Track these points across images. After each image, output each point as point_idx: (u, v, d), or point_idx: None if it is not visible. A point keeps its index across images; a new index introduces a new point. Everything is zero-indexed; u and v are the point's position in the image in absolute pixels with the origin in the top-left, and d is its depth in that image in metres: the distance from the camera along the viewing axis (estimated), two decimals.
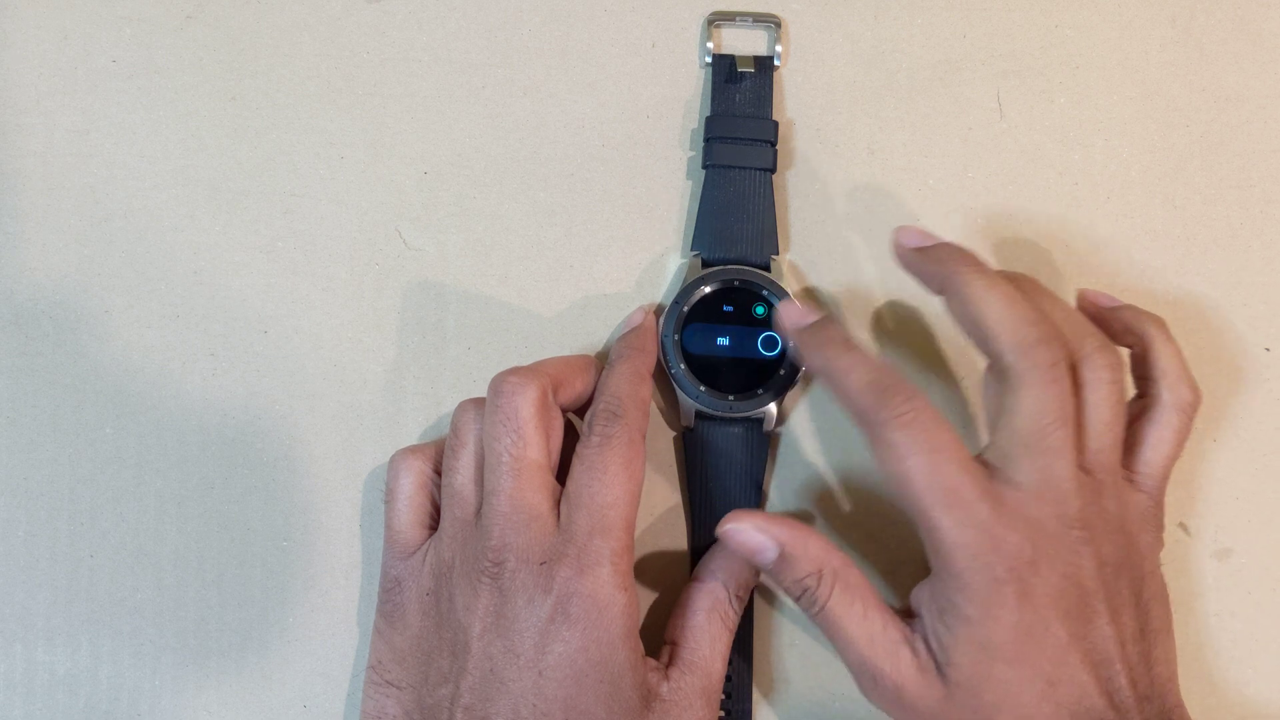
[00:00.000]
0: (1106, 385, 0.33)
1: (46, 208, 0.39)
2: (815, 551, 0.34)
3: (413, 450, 0.37)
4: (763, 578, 0.39)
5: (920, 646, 0.33)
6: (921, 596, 0.34)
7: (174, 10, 0.40)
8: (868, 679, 0.34)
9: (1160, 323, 0.36)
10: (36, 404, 0.39)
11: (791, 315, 0.36)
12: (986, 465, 0.33)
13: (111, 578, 0.39)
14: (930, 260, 0.35)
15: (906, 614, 0.34)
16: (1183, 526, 0.40)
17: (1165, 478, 0.35)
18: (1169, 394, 0.35)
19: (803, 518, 0.39)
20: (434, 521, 0.37)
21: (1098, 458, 0.33)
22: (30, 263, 0.39)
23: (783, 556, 0.34)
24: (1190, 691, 0.39)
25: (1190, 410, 0.35)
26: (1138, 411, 0.36)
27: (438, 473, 0.37)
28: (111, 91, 0.40)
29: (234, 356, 0.39)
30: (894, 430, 0.32)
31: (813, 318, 0.36)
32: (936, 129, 0.40)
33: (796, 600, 0.34)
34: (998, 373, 0.34)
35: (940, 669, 0.32)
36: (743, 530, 0.34)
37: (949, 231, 0.40)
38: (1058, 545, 0.32)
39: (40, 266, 0.39)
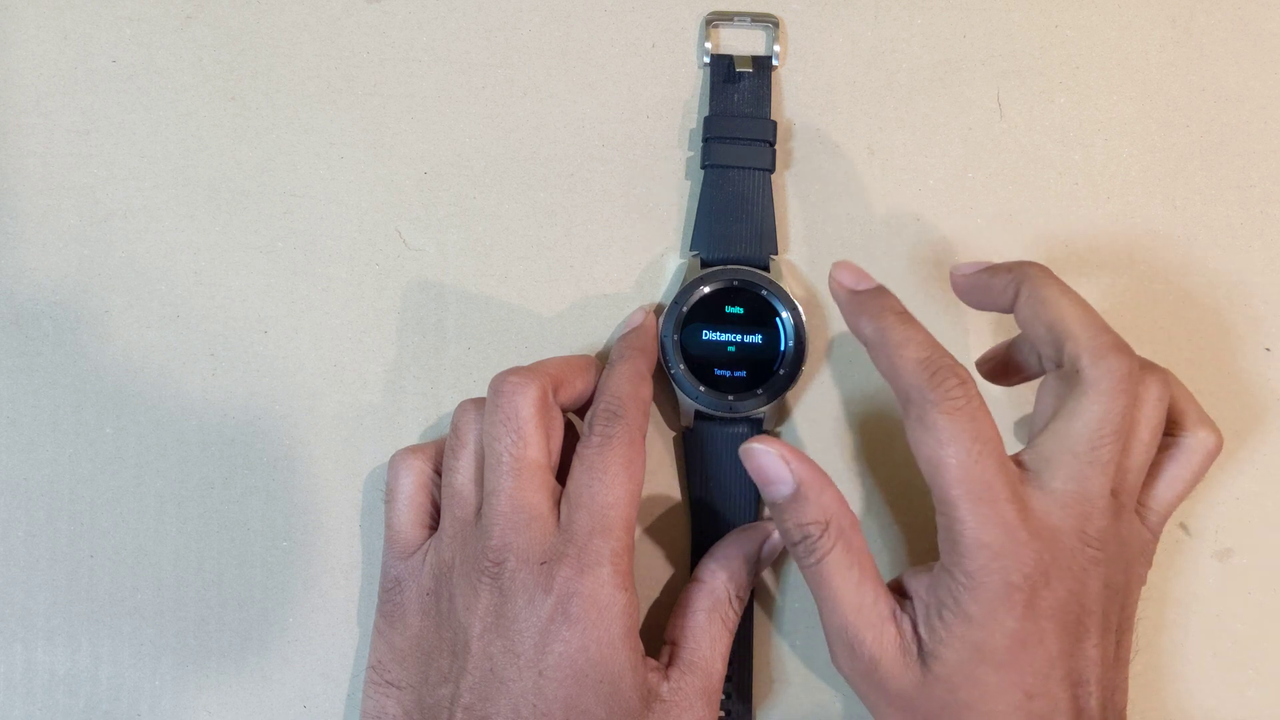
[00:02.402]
0: (1154, 404, 0.33)
1: (46, 208, 0.39)
2: (829, 501, 0.33)
3: (413, 450, 0.37)
4: (763, 576, 0.40)
5: (907, 628, 0.33)
6: (919, 584, 0.33)
7: (174, 10, 0.40)
8: (845, 646, 0.33)
9: (1167, 371, 0.35)
10: (36, 404, 0.39)
11: (847, 277, 0.35)
12: (1020, 465, 0.33)
13: (111, 578, 0.39)
14: (1000, 271, 0.35)
15: (898, 591, 0.34)
16: (1183, 527, 0.40)
17: (1168, 516, 0.35)
18: (1193, 436, 0.35)
19: None
20: (434, 521, 0.37)
21: (1126, 478, 0.33)
22: (30, 263, 0.39)
23: (797, 495, 0.33)
24: (1190, 692, 0.39)
25: (1213, 453, 0.35)
26: (1159, 447, 0.35)
27: (438, 473, 0.37)
28: (111, 91, 0.40)
29: (234, 356, 0.39)
30: (941, 414, 0.31)
31: (869, 284, 0.35)
32: (936, 129, 0.40)
33: (793, 546, 0.33)
34: (1065, 375, 0.33)
35: (923, 657, 0.32)
36: (766, 454, 0.33)
37: (949, 234, 0.40)
38: (1071, 560, 0.31)
39: (40, 266, 0.39)
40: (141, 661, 0.39)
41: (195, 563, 0.39)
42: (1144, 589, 0.39)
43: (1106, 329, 0.33)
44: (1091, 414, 0.32)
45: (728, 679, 0.37)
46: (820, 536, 0.33)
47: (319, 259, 0.40)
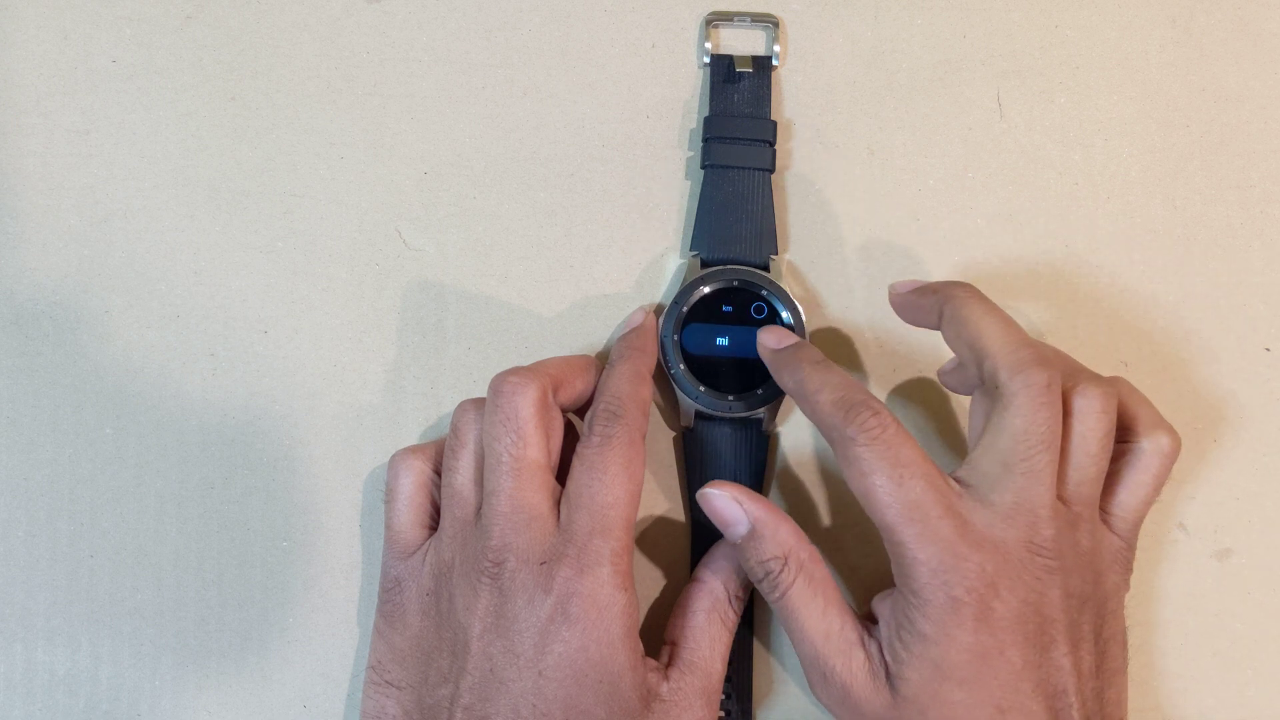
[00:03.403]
0: (1096, 415, 0.33)
1: (46, 208, 0.40)
2: (785, 536, 0.34)
3: (413, 450, 0.37)
4: None
5: (875, 652, 0.33)
6: (883, 607, 0.34)
7: (174, 10, 0.40)
8: (818, 675, 0.34)
9: (1121, 379, 0.36)
10: (36, 404, 0.39)
11: (769, 339, 0.37)
12: (959, 483, 0.33)
13: (111, 578, 0.39)
14: (926, 292, 0.36)
15: (867, 618, 0.34)
16: (1182, 526, 0.40)
17: (1139, 522, 0.35)
18: (1148, 440, 0.35)
19: (801, 517, 0.39)
20: (434, 522, 0.37)
21: (1078, 490, 0.33)
22: (30, 263, 0.39)
23: (753, 534, 0.34)
24: (1189, 692, 0.39)
25: (1171, 455, 0.35)
26: (1116, 455, 0.35)
27: (438, 473, 0.37)
28: (111, 91, 0.40)
29: (234, 356, 0.39)
30: (859, 446, 0.32)
31: (789, 341, 0.37)
32: (936, 129, 0.40)
33: (758, 583, 0.34)
34: (989, 391, 0.33)
35: (891, 680, 0.32)
36: (720, 498, 0.34)
37: (949, 234, 0.40)
38: (1021, 570, 0.32)
39: (40, 266, 0.39)
40: (141, 661, 0.39)
41: (195, 563, 0.39)
42: (1144, 589, 0.39)
43: (1025, 344, 0.33)
44: (1015, 427, 0.32)
45: (727, 679, 0.37)
46: (780, 571, 0.34)
47: (319, 259, 0.40)
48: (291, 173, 0.40)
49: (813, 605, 0.34)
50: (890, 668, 0.33)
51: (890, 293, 0.37)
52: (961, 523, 0.32)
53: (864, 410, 0.33)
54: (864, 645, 0.33)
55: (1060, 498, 0.33)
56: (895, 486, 0.32)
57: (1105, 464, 0.34)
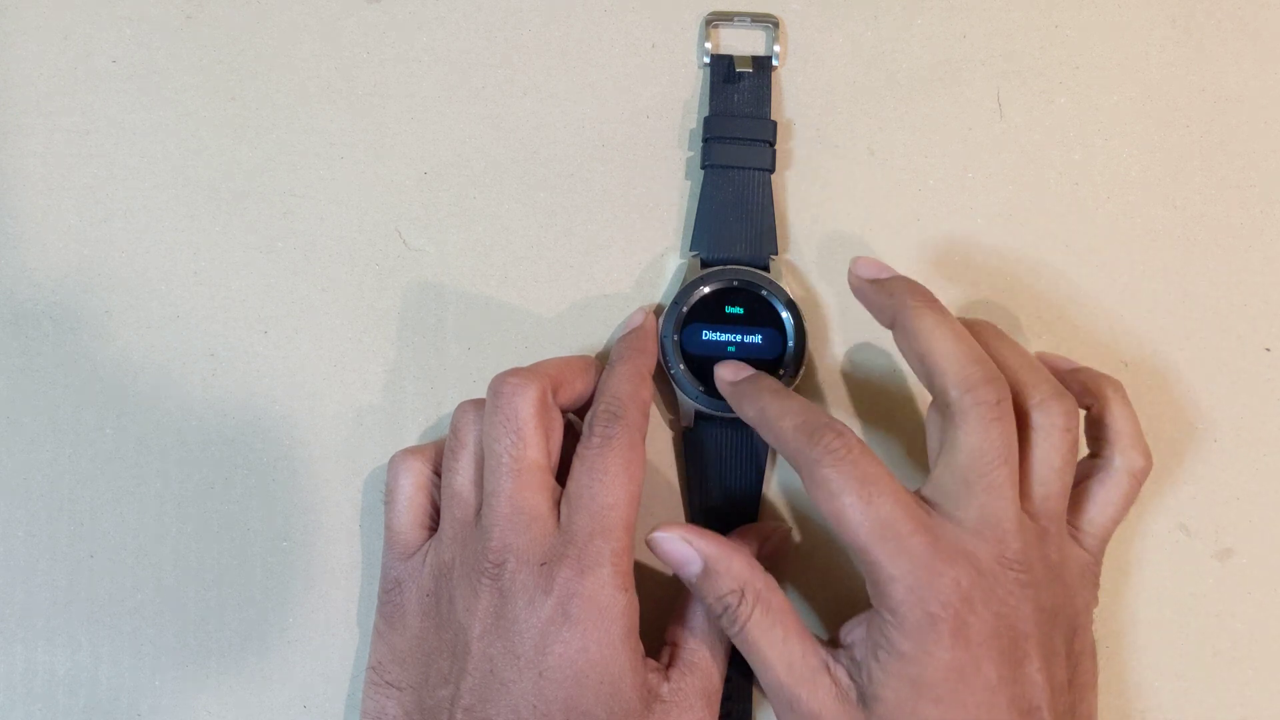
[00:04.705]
0: (1059, 432, 0.33)
1: (46, 208, 0.39)
2: (739, 569, 0.34)
3: (412, 451, 0.37)
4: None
5: (842, 676, 0.33)
6: (855, 632, 0.33)
7: (174, 10, 0.40)
8: (784, 705, 0.33)
9: (1117, 385, 0.36)
10: (36, 404, 0.39)
11: (726, 373, 0.37)
12: (925, 501, 0.33)
13: (111, 578, 0.39)
14: (883, 292, 0.35)
15: (833, 644, 0.34)
16: (1183, 527, 0.40)
17: (1107, 539, 0.35)
18: (1121, 458, 0.35)
19: (800, 518, 0.40)
20: (434, 522, 0.37)
21: (1044, 504, 0.33)
22: (30, 263, 0.39)
23: (706, 571, 0.34)
24: (1190, 691, 0.39)
25: (1141, 476, 0.35)
26: (1088, 470, 0.35)
27: (437, 474, 0.37)
28: (111, 91, 0.40)
29: (234, 356, 0.39)
30: (825, 468, 0.32)
31: (746, 373, 0.37)
32: (936, 129, 0.40)
33: (718, 619, 0.34)
34: (941, 408, 0.33)
35: (865, 702, 0.32)
36: (669, 539, 0.34)
37: (949, 234, 0.40)
38: (994, 584, 0.32)
39: (40, 266, 0.39)
40: (141, 661, 0.39)
41: (195, 563, 0.39)
42: (1145, 589, 0.39)
43: (975, 360, 0.33)
44: (970, 445, 0.32)
45: (728, 679, 0.37)
46: (739, 605, 0.33)
47: (319, 259, 0.40)
48: (291, 173, 0.40)
49: (772, 635, 0.33)
50: (865, 689, 0.32)
51: (850, 272, 0.36)
52: (933, 538, 0.32)
53: (827, 432, 0.32)
54: (829, 670, 0.33)
55: (1026, 511, 0.33)
56: (865, 505, 0.31)
57: (1069, 478, 0.34)
